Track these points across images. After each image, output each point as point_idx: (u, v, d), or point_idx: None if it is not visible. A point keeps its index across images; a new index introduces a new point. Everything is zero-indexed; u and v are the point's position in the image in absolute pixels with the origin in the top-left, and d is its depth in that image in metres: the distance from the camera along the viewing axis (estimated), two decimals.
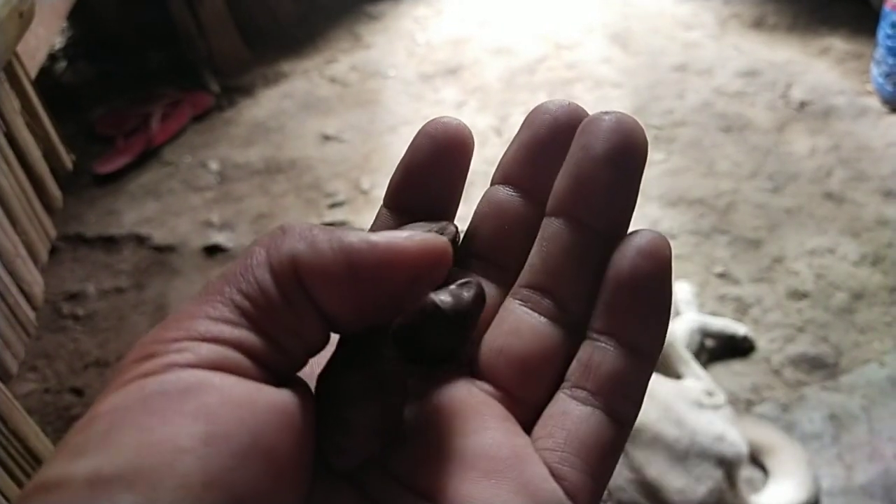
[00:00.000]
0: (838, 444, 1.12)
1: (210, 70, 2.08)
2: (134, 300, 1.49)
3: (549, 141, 0.24)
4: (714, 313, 1.30)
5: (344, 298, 0.19)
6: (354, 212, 1.60)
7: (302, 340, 0.19)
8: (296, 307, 0.19)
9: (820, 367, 1.22)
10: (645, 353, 0.22)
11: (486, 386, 0.22)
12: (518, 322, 0.23)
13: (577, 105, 0.24)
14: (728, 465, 0.98)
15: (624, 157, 0.22)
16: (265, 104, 2.01)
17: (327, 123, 1.91)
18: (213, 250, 1.57)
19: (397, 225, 0.24)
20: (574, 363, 0.22)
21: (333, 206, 1.64)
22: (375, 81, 2.06)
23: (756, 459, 1.10)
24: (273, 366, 0.19)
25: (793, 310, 1.30)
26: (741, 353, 1.25)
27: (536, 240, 0.23)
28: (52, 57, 2.20)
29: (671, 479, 0.94)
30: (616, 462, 0.21)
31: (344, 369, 0.20)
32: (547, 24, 2.20)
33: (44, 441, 0.90)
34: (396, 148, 1.79)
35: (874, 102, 1.73)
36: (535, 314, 0.23)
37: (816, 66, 1.88)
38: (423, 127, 0.24)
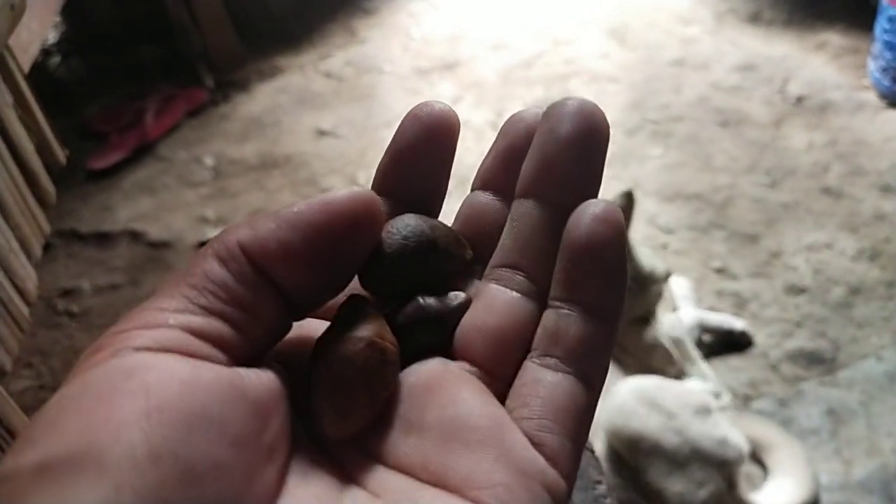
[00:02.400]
0: (836, 440, 1.12)
1: (205, 65, 2.07)
2: (129, 297, 1.48)
3: (524, 148, 0.25)
4: (712, 308, 1.30)
5: (293, 263, 0.20)
6: None
7: (259, 321, 0.20)
8: (249, 287, 0.19)
9: (818, 362, 1.22)
10: (607, 316, 0.22)
11: (462, 364, 0.23)
12: (491, 299, 0.23)
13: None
14: (729, 467, 0.98)
15: (587, 137, 0.23)
16: (260, 99, 2.00)
17: (323, 118, 1.90)
18: None
19: (385, 208, 0.24)
20: (539, 332, 0.23)
21: None
22: (371, 76, 2.05)
23: (756, 456, 1.10)
24: (233, 350, 0.19)
25: (790, 305, 1.30)
26: (739, 348, 1.24)
27: (507, 221, 0.24)
28: (46, 52, 2.19)
29: (671, 483, 0.94)
30: (590, 425, 0.22)
31: (335, 341, 0.21)
32: (543, 18, 2.19)
33: None
34: None
35: (871, 97, 1.73)
36: (508, 290, 0.23)
37: (813, 61, 1.87)
38: (410, 111, 0.25)
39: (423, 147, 0.25)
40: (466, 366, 0.22)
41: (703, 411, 0.99)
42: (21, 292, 0.82)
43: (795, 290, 1.33)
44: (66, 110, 1.98)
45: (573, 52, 2.03)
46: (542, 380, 0.22)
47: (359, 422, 0.20)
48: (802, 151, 1.62)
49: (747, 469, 1.09)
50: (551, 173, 0.23)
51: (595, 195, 0.23)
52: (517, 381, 0.22)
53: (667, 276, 1.18)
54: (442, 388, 0.21)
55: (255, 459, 0.18)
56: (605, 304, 0.22)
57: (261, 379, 0.19)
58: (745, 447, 1.00)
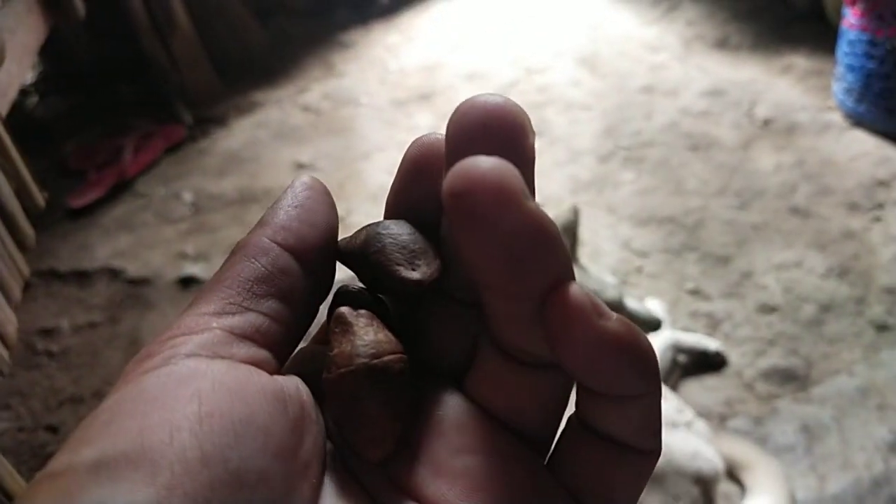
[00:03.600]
0: (811, 456, 1.13)
1: (182, 101, 2.09)
2: (108, 335, 1.48)
3: (427, 169, 0.24)
4: (686, 329, 1.32)
5: (314, 238, 0.21)
6: None
7: (295, 306, 0.21)
8: (282, 274, 0.20)
9: (791, 379, 1.24)
10: None
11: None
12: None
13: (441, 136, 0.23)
14: (704, 483, 0.99)
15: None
16: (238, 134, 2.02)
17: (301, 152, 1.92)
18: (187, 282, 1.57)
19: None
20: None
21: None
22: (348, 109, 2.08)
23: (733, 475, 1.11)
24: (274, 342, 0.20)
25: (763, 324, 1.33)
26: (713, 367, 1.26)
27: None
28: (24, 91, 2.20)
29: (648, 499, 0.95)
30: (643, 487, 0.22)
31: (337, 370, 0.20)
32: (517, 48, 2.24)
33: (19, 481, 0.89)
34: (371, 174, 1.80)
35: (836, 118, 1.78)
36: None
37: (779, 84, 1.92)
38: (411, 146, 0.24)
39: (426, 177, 0.24)
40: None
41: (673, 425, 1.01)
42: (1, 336, 0.83)
43: (767, 308, 1.35)
44: (45, 149, 1.99)
45: (546, 81, 2.07)
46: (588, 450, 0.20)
47: (391, 442, 0.20)
48: (770, 173, 1.65)
49: (725, 488, 1.10)
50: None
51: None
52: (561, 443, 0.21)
53: (619, 294, 1.19)
54: (473, 431, 0.21)
55: (294, 473, 0.18)
56: None
57: (298, 393, 0.19)
58: (718, 463, 1.01)
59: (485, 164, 0.17)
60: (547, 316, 0.18)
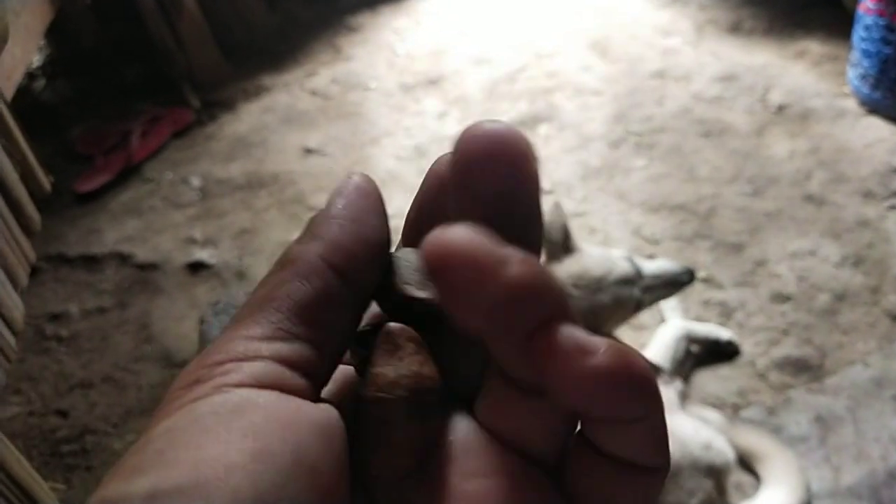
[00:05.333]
0: (825, 447, 1.13)
1: (190, 85, 2.08)
2: (117, 319, 1.48)
3: (441, 197, 0.24)
4: (698, 318, 1.31)
5: (370, 255, 0.21)
6: None
7: (337, 335, 0.21)
8: (333, 301, 0.20)
9: (805, 369, 1.23)
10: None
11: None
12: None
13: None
14: (717, 474, 0.98)
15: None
16: (246, 118, 2.01)
17: (309, 137, 1.91)
18: (196, 267, 1.56)
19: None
20: None
21: None
22: (356, 93, 2.06)
23: (748, 466, 1.11)
24: (312, 371, 0.20)
25: (776, 313, 1.31)
26: (726, 357, 1.25)
27: None
28: (31, 75, 2.19)
29: (663, 495, 0.94)
30: None
31: (369, 392, 0.21)
32: (526, 33, 2.21)
33: (27, 468, 0.88)
34: (379, 159, 1.79)
35: (851, 104, 1.75)
36: None
37: (793, 70, 1.90)
38: (433, 165, 0.24)
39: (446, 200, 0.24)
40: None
41: (675, 408, 1.00)
42: (7, 321, 0.82)
43: (781, 297, 1.34)
44: (52, 133, 1.98)
45: (556, 66, 2.04)
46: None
47: (399, 470, 0.20)
48: (785, 160, 1.63)
49: (740, 478, 1.09)
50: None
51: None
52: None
53: (683, 280, 1.15)
54: (484, 455, 0.21)
55: (335, 502, 0.18)
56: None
57: (333, 419, 0.19)
58: (730, 453, 1.01)
59: (455, 236, 0.18)
60: (534, 357, 0.18)
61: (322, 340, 0.20)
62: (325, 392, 0.21)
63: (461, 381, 0.22)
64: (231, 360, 0.19)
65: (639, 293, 1.10)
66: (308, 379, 0.20)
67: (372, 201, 0.22)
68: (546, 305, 0.18)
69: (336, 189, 0.22)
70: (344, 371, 0.23)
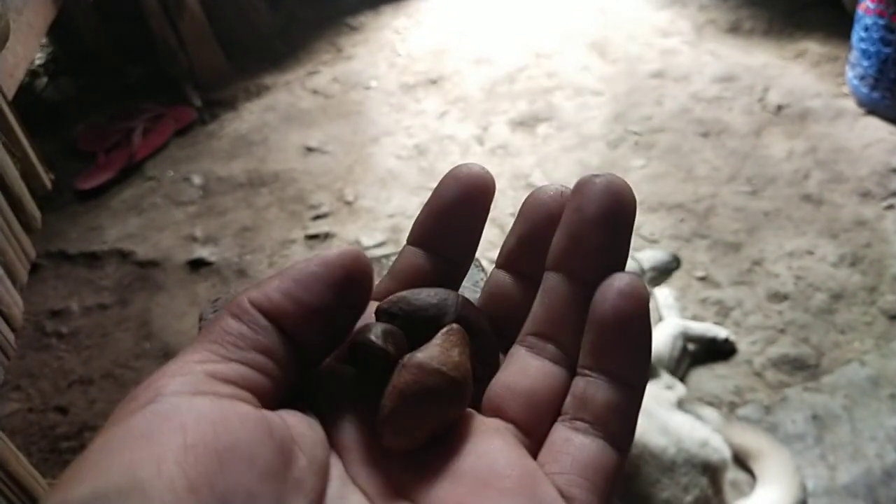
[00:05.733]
0: (821, 445, 1.13)
1: (192, 84, 2.08)
2: (117, 316, 1.48)
3: (545, 232, 0.26)
4: (696, 317, 1.31)
5: (298, 312, 0.22)
6: (338, 223, 1.61)
7: (281, 365, 0.22)
8: (264, 336, 0.22)
9: (801, 367, 1.24)
10: (632, 383, 0.24)
11: (496, 421, 0.24)
12: (525, 364, 0.25)
13: (568, 189, 0.26)
14: (713, 471, 0.99)
15: (614, 215, 0.24)
16: (248, 117, 2.01)
17: (310, 135, 1.92)
18: (196, 264, 1.57)
19: (423, 259, 0.26)
20: (569, 398, 0.24)
21: (317, 217, 1.64)
22: (357, 93, 2.06)
23: (744, 464, 1.11)
24: (259, 390, 0.21)
25: (773, 312, 1.32)
26: (723, 355, 1.26)
27: (538, 293, 0.26)
28: (33, 73, 2.20)
29: (658, 489, 0.95)
30: (616, 485, 0.23)
31: (418, 359, 0.22)
32: (526, 33, 2.21)
33: (25, 464, 0.89)
34: (379, 158, 1.80)
35: (850, 104, 1.76)
36: (540, 357, 0.25)
37: (792, 70, 1.90)
38: (450, 171, 0.26)
39: (460, 207, 0.26)
40: (501, 423, 0.24)
41: (674, 406, 1.01)
42: (6, 318, 0.83)
43: (778, 296, 1.34)
44: (54, 130, 1.99)
45: (555, 66, 2.05)
46: (573, 440, 0.23)
47: (417, 440, 0.22)
48: (783, 159, 1.64)
49: (735, 476, 1.10)
50: (579, 250, 0.25)
51: (622, 268, 0.25)
52: (548, 440, 0.23)
53: (671, 267, 1.19)
54: (478, 438, 0.23)
55: (286, 490, 0.19)
56: (631, 372, 0.24)
57: (286, 421, 0.21)
58: (727, 451, 1.01)
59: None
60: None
61: (261, 364, 0.21)
62: None
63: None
64: (167, 377, 0.20)
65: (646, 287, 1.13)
66: (251, 393, 0.21)
67: (328, 277, 0.23)
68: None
69: (321, 255, 0.23)
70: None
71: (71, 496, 0.17)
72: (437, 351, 0.23)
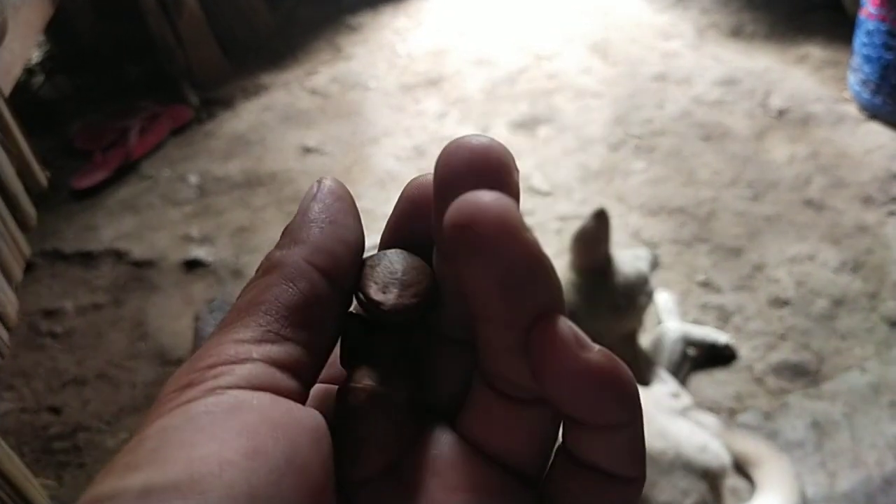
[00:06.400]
0: (821, 452, 1.12)
1: (189, 83, 2.07)
2: (112, 316, 1.47)
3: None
4: (696, 322, 1.30)
5: (352, 256, 0.21)
6: None
7: (326, 335, 0.21)
8: (320, 303, 0.21)
9: (802, 374, 1.23)
10: None
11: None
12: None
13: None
14: (712, 477, 0.98)
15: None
16: (245, 117, 2.00)
17: (308, 135, 1.91)
18: (192, 265, 1.56)
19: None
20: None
21: None
22: (356, 93, 2.05)
23: (743, 471, 1.10)
24: (302, 371, 0.20)
25: (774, 317, 1.31)
26: (723, 361, 1.25)
27: None
28: (30, 71, 2.18)
29: (656, 492, 0.94)
30: None
31: (350, 384, 0.21)
32: (527, 34, 2.21)
33: (18, 465, 0.88)
34: (378, 159, 1.79)
35: (852, 109, 1.75)
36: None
37: (794, 74, 1.90)
38: (406, 188, 0.24)
39: (422, 210, 0.24)
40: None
41: (675, 413, 1.00)
42: (1, 317, 0.82)
43: (779, 302, 1.33)
44: (50, 129, 1.98)
45: (556, 68, 2.04)
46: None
47: (369, 468, 0.21)
48: (784, 164, 1.63)
49: (734, 483, 1.09)
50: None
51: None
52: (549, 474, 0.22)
53: (654, 264, 1.19)
54: (466, 469, 0.21)
55: (324, 502, 0.18)
56: None
57: (321, 420, 0.20)
58: (726, 457, 1.00)
59: (486, 197, 0.18)
60: (532, 345, 0.18)
61: (310, 341, 0.20)
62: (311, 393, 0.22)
63: (444, 395, 0.23)
64: (223, 364, 0.19)
65: (652, 289, 1.14)
66: (297, 379, 0.20)
67: (346, 204, 0.22)
68: (555, 291, 0.19)
69: (308, 194, 0.22)
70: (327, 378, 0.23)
71: (124, 485, 0.16)
72: (361, 371, 0.21)
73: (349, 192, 0.23)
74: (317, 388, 0.23)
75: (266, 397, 0.19)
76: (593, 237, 1.06)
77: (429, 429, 0.22)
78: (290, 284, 0.20)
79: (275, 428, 0.18)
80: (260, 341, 0.20)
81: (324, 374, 0.24)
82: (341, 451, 0.20)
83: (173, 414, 0.18)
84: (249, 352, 0.19)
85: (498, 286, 0.18)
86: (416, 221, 0.23)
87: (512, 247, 0.18)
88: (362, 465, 0.21)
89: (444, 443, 0.22)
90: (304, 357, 0.20)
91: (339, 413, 0.21)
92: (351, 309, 0.22)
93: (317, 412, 0.20)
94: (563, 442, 0.21)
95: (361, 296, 0.21)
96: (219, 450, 0.17)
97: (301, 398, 0.20)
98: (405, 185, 0.24)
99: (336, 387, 0.22)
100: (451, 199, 0.19)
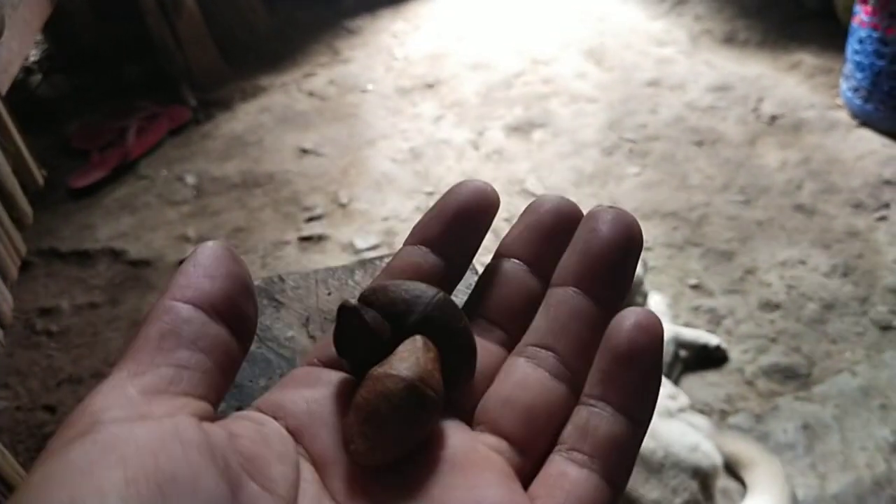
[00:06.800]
0: (811, 454, 1.13)
1: (187, 84, 2.08)
2: (108, 315, 1.48)
3: (551, 225, 0.27)
4: (688, 325, 1.31)
5: (220, 294, 0.22)
6: (332, 225, 1.60)
7: (213, 353, 0.22)
8: (191, 326, 0.21)
9: (792, 377, 1.24)
10: (638, 420, 0.24)
11: (491, 438, 0.23)
12: (524, 376, 0.24)
13: (572, 201, 0.28)
14: (703, 476, 0.99)
15: (626, 241, 0.25)
16: (243, 118, 2.01)
17: (305, 137, 1.92)
18: None
19: (421, 257, 0.27)
20: (570, 427, 0.24)
21: (311, 219, 1.64)
22: (354, 95, 2.06)
23: (734, 472, 1.11)
24: (190, 388, 0.21)
25: (765, 321, 1.32)
26: (714, 363, 1.26)
27: (542, 305, 0.26)
28: (28, 70, 2.19)
29: (647, 490, 0.95)
30: None
31: (382, 371, 0.22)
32: (523, 39, 2.22)
33: (12, 463, 0.88)
34: (375, 162, 1.79)
35: (843, 116, 1.77)
36: (541, 370, 0.25)
37: (787, 81, 1.91)
38: (459, 182, 0.27)
39: (467, 211, 0.27)
40: (495, 440, 0.23)
41: (669, 414, 1.01)
42: None
43: (770, 306, 1.35)
44: (48, 128, 1.98)
45: (552, 72, 2.05)
46: (568, 473, 0.22)
47: (385, 456, 0.21)
48: (776, 169, 1.65)
49: (725, 484, 1.10)
50: (592, 267, 0.25)
51: (626, 294, 0.26)
52: (543, 471, 0.23)
53: (644, 267, 1.21)
54: (469, 468, 0.22)
55: None
56: (637, 406, 0.24)
57: (237, 439, 0.20)
58: (718, 458, 1.01)
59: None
60: None
61: (189, 359, 0.21)
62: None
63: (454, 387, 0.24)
64: (102, 401, 0.20)
65: (646, 290, 1.15)
66: (188, 395, 0.21)
67: (220, 255, 0.23)
68: None
69: (187, 257, 0.24)
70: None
71: None
72: (402, 362, 0.22)
73: (227, 249, 0.24)
74: (319, 370, 0.24)
75: (144, 425, 0.19)
76: None
77: (443, 422, 0.23)
78: (155, 321, 0.21)
79: (153, 453, 0.18)
80: (134, 375, 0.20)
81: (318, 354, 0.25)
82: (353, 434, 0.21)
83: (54, 459, 0.18)
84: (124, 386, 0.20)
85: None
86: (465, 227, 0.27)
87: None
88: (379, 455, 0.21)
89: (456, 436, 0.23)
90: (184, 374, 0.21)
91: (361, 394, 0.22)
92: (343, 302, 0.23)
93: (203, 423, 0.20)
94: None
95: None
96: (98, 485, 0.17)
97: (195, 410, 0.20)
98: (456, 185, 0.27)
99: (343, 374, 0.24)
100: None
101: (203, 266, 0.23)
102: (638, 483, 0.95)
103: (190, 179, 1.81)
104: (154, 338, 0.21)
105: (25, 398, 1.34)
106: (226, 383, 0.22)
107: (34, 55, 2.24)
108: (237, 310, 0.23)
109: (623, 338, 0.23)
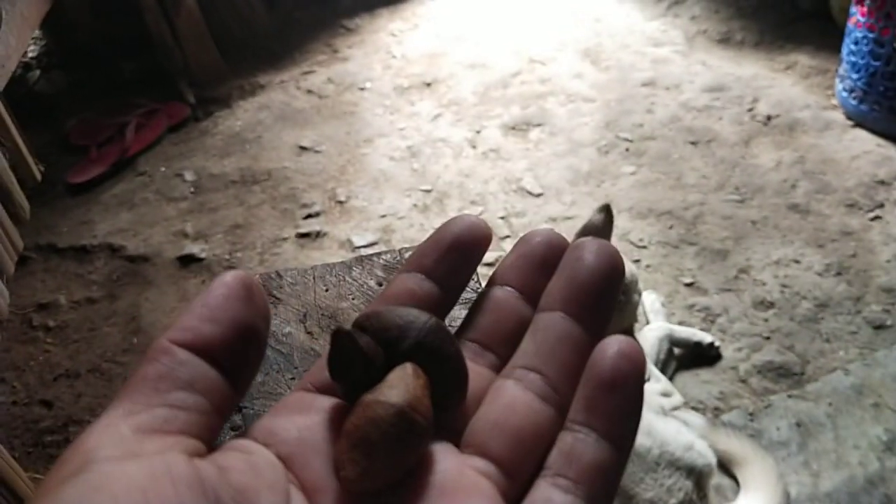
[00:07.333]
0: (805, 452, 1.14)
1: (186, 81, 2.08)
2: (106, 311, 1.48)
3: (542, 256, 0.28)
4: (682, 323, 1.32)
5: (216, 337, 0.22)
6: (330, 222, 1.61)
7: (207, 395, 0.22)
8: (185, 369, 0.22)
9: (786, 375, 1.25)
10: (621, 444, 0.24)
11: (479, 461, 0.24)
12: (513, 399, 0.25)
13: (562, 234, 0.29)
14: (698, 475, 0.99)
15: (610, 269, 0.27)
16: (242, 115, 2.01)
17: (304, 135, 1.92)
18: (187, 260, 1.57)
19: (416, 284, 0.28)
20: (555, 452, 0.24)
21: (309, 216, 1.64)
22: (352, 94, 2.07)
23: (728, 470, 1.12)
24: (184, 428, 0.21)
25: (759, 319, 1.33)
26: (708, 361, 1.27)
27: (530, 329, 0.27)
28: (26, 66, 2.19)
29: (642, 489, 0.95)
30: None
31: (373, 397, 0.22)
32: (520, 39, 2.23)
33: (7, 458, 0.88)
34: (372, 159, 1.80)
35: (838, 116, 1.78)
36: (529, 392, 0.25)
37: (782, 81, 1.92)
38: (456, 216, 0.29)
39: (463, 241, 0.28)
40: (482, 463, 0.24)
41: (664, 413, 1.01)
42: None
43: (764, 304, 1.35)
44: (46, 124, 1.98)
45: (549, 72, 2.06)
46: (553, 499, 0.23)
47: (375, 481, 0.21)
48: (771, 169, 1.66)
49: (719, 482, 1.10)
50: (579, 294, 0.26)
51: (609, 320, 0.27)
52: (529, 497, 0.23)
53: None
54: (458, 493, 0.22)
55: None
56: (621, 432, 0.24)
57: (228, 472, 0.21)
58: (712, 457, 1.02)
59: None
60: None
61: (184, 400, 0.22)
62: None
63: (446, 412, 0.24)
64: (95, 440, 0.20)
65: (641, 288, 1.17)
66: (181, 434, 0.21)
67: (232, 291, 0.23)
68: None
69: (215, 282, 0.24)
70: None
71: None
72: (392, 388, 0.22)
73: (243, 281, 0.24)
74: (308, 395, 0.25)
75: (135, 464, 0.19)
76: (599, 230, 1.08)
77: (433, 445, 0.24)
78: (153, 362, 0.22)
79: (143, 492, 0.19)
80: (128, 414, 0.21)
81: (311, 378, 0.26)
82: (343, 459, 0.22)
83: (47, 498, 0.19)
84: (118, 425, 0.20)
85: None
86: (458, 257, 0.28)
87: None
88: (368, 481, 0.22)
89: (445, 460, 0.23)
90: (180, 415, 0.21)
91: (351, 420, 0.22)
92: (338, 327, 0.24)
93: (194, 459, 0.21)
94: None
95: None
96: None
97: (188, 448, 0.21)
98: (452, 219, 0.29)
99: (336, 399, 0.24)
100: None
101: (210, 308, 0.23)
102: (633, 481, 0.95)
103: (188, 176, 1.81)
104: (151, 378, 0.21)
105: (22, 393, 1.34)
106: (221, 422, 0.22)
107: (32, 51, 2.25)
108: (235, 358, 0.23)
109: (607, 365, 0.24)
